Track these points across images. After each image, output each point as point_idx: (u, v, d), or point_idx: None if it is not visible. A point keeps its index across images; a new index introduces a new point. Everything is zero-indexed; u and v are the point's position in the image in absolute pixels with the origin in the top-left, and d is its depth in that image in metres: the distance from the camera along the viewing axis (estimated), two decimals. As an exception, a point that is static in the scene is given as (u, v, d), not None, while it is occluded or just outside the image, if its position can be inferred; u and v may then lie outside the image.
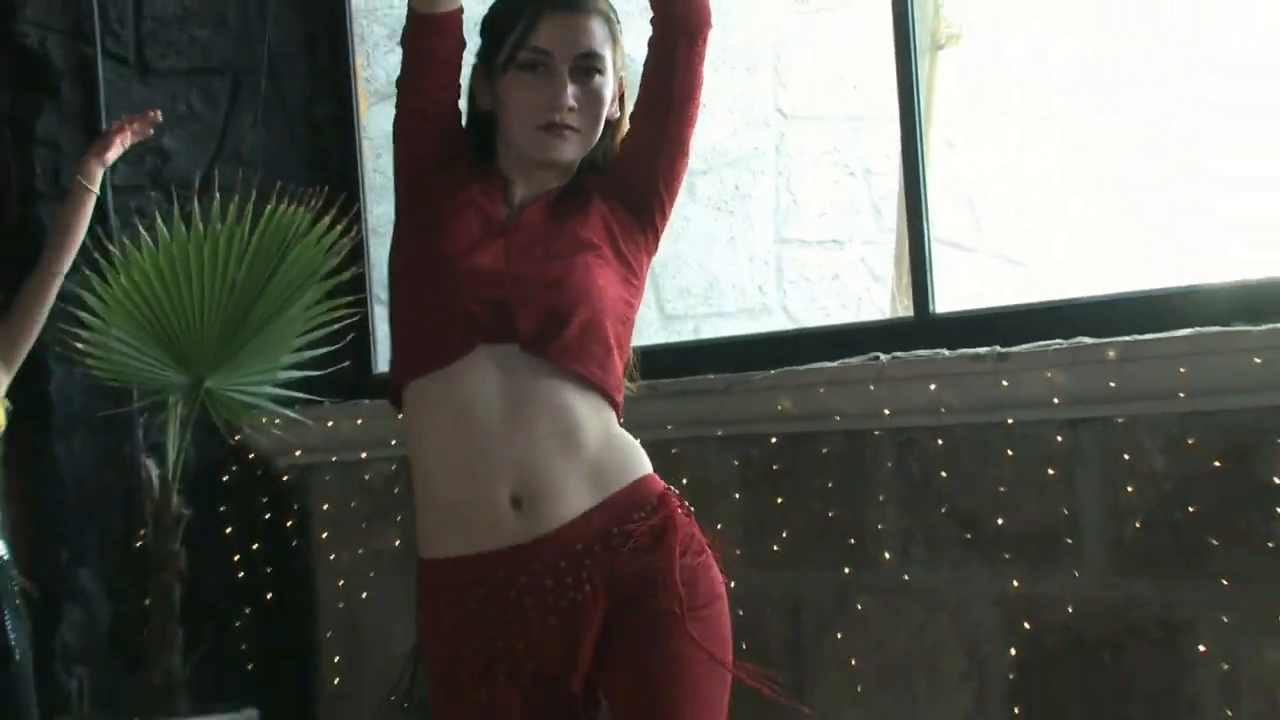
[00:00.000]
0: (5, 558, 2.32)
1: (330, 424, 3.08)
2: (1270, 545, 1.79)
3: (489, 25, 1.43)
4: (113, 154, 2.42)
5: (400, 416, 1.48)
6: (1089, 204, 3.30)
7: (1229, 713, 1.83)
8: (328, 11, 3.37)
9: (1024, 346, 2.02)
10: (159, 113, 2.53)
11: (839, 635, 2.27)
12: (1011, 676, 2.06)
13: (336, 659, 3.23)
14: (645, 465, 1.43)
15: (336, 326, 3.00)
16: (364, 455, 3.10)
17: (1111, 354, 1.90)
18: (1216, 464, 1.85)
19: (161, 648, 2.99)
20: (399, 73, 1.45)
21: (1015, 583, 2.04)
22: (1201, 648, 1.86)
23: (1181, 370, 1.83)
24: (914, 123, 2.31)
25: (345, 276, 2.98)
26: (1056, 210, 3.33)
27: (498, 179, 1.41)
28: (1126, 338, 1.91)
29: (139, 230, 2.87)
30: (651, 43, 1.41)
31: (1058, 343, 1.96)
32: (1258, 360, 1.78)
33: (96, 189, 2.46)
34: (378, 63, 3.55)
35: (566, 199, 1.41)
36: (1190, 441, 1.87)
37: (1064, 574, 2.00)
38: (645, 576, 1.33)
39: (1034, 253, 3.34)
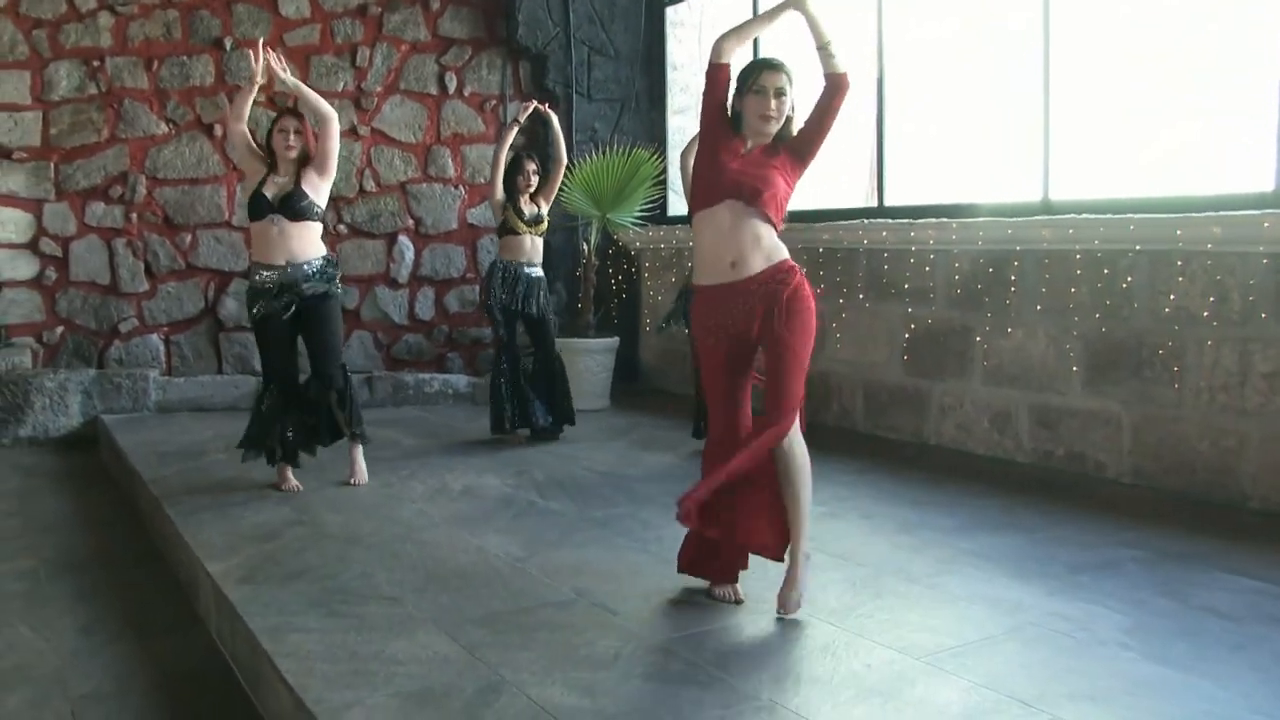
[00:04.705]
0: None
1: (649, 232, 6.44)
2: None
3: (740, 75, 2.67)
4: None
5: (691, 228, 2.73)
6: None
7: None
8: (660, 76, 6.80)
9: None
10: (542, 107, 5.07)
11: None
12: None
13: (647, 319, 6.66)
14: (786, 254, 2.61)
15: (653, 199, 6.35)
16: (661, 246, 6.46)
17: None
18: None
19: (584, 311, 6.15)
20: (705, 89, 2.67)
21: None
22: None
23: None
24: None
25: (657, 180, 6.25)
26: None
27: (741, 138, 2.68)
28: None
29: (587, 155, 6.22)
30: (821, 90, 2.65)
31: None
32: None
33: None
34: (670, 103, 6.69)
35: (768, 149, 2.68)
36: None
37: None
38: (774, 303, 2.59)
39: None
